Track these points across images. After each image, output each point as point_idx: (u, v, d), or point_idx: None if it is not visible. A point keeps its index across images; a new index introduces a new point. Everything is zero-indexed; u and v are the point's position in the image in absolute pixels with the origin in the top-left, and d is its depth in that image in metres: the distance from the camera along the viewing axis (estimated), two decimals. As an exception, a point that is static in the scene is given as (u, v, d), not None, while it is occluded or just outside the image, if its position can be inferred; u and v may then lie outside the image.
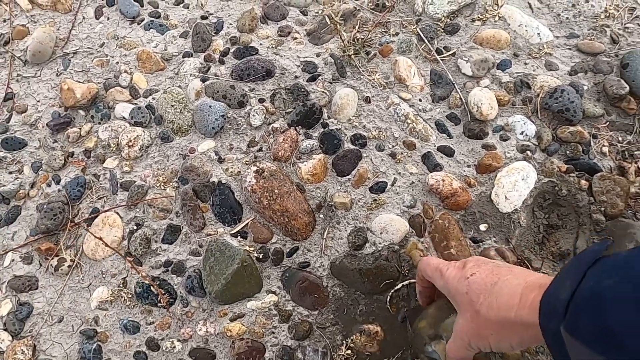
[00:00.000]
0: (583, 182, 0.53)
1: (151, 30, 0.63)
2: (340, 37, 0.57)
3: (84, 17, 0.66)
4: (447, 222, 0.52)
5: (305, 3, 0.62)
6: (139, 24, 0.64)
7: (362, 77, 0.59)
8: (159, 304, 0.54)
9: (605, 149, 0.55)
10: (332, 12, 0.54)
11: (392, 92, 0.58)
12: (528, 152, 0.54)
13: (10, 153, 0.61)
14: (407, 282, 0.51)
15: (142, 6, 0.65)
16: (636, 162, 0.54)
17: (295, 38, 0.61)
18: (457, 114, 0.57)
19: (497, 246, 0.52)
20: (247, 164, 0.56)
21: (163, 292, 0.52)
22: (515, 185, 0.53)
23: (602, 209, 0.52)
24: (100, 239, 0.53)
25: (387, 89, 0.58)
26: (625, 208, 0.52)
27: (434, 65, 0.59)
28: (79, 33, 0.65)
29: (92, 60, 0.63)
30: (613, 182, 0.52)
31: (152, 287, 0.53)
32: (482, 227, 0.53)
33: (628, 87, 0.55)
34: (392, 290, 0.51)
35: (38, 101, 0.62)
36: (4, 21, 0.66)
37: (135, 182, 0.57)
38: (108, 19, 0.65)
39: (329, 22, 0.58)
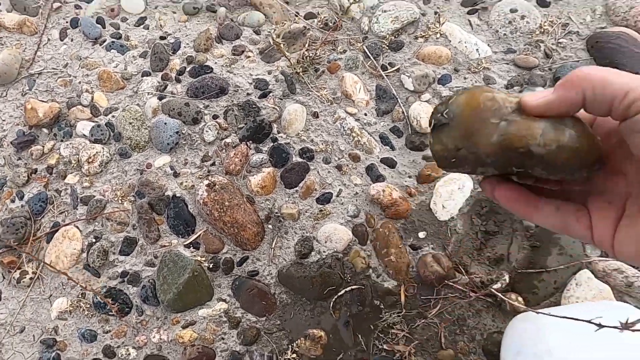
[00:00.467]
0: (516, 190, 0.56)
1: (112, 50, 0.67)
2: (286, 57, 0.60)
3: (49, 39, 0.69)
4: (388, 231, 0.56)
5: (258, 23, 0.66)
6: (101, 44, 0.68)
7: (310, 93, 0.62)
8: (111, 314, 0.57)
9: (539, 159, 0.58)
10: (275, 34, 0.58)
11: (339, 107, 0.61)
12: (465, 162, 0.58)
13: (-24, 170, 0.64)
14: (349, 288, 0.54)
15: (104, 27, 0.68)
16: (568, 171, 0.57)
17: (249, 57, 0.65)
18: (399, 127, 0.60)
19: (434, 252, 0.55)
20: (200, 178, 0.59)
21: (112, 303, 0.55)
22: (452, 194, 0.56)
23: (533, 215, 0.55)
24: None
25: (335, 104, 0.61)
26: (554, 214, 0.55)
27: (379, 80, 0.62)
28: (44, 54, 0.68)
29: (56, 80, 0.66)
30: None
31: (99, 298, 0.56)
32: (421, 234, 0.56)
33: (559, 100, 0.58)
34: (336, 296, 0.54)
35: (3, 120, 0.66)
36: (-27, 44, 0.69)
37: (94, 196, 0.61)
38: (72, 40, 0.69)
39: (272, 43, 0.62)
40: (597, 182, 0.27)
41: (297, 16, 0.66)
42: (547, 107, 0.26)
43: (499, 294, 0.50)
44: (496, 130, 0.27)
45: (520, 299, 0.52)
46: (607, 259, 0.53)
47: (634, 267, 0.52)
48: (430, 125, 0.28)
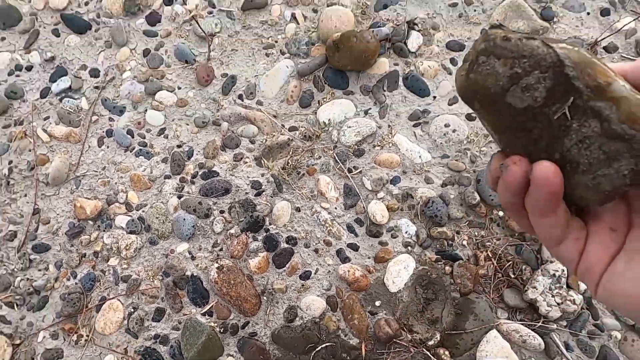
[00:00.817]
0: (447, 268, 0.76)
1: (140, 156, 0.87)
2: (268, 168, 0.80)
3: (89, 146, 0.89)
4: (352, 301, 0.76)
5: (253, 134, 0.86)
6: (131, 151, 0.87)
7: (294, 192, 0.82)
8: (150, 366, 0.76)
9: (465, 242, 0.78)
10: (266, 147, 0.78)
11: (315, 202, 0.81)
12: (409, 247, 0.78)
13: (38, 255, 0.83)
14: (324, 345, 0.74)
15: (133, 137, 0.88)
16: (486, 251, 0.77)
17: (246, 162, 0.85)
18: (361, 219, 0.80)
19: (386, 317, 0.75)
20: (211, 261, 0.79)
21: (147, 359, 0.75)
22: (399, 272, 0.76)
23: (458, 288, 0.75)
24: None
25: (312, 201, 0.81)
26: (473, 288, 0.75)
27: (346, 181, 0.82)
28: (86, 159, 0.88)
29: (97, 181, 0.86)
30: (465, 268, 0.75)
31: (138, 356, 0.75)
32: (377, 303, 0.76)
33: (479, 197, 0.78)
34: (314, 352, 0.74)
35: (58, 214, 0.85)
36: (29, 151, 0.89)
37: (131, 276, 0.80)
38: (108, 147, 0.88)
39: (264, 164, 0.82)
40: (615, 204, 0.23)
41: (283, 128, 0.86)
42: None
43: (428, 352, 0.70)
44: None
45: (447, 352, 0.72)
46: (509, 321, 0.73)
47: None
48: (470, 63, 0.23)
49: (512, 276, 0.75)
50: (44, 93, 0.92)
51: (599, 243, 0.24)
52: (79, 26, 0.95)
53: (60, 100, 0.91)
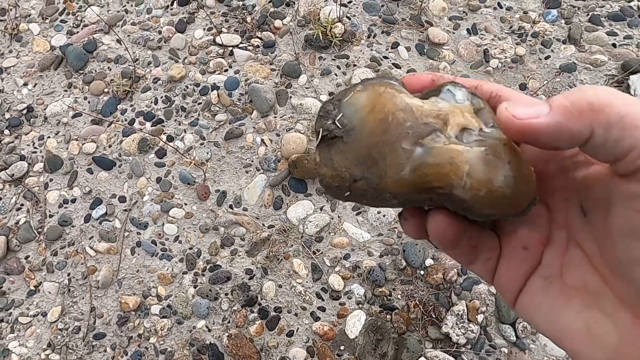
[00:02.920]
0: (388, 316, 1.13)
1: (163, 260, 1.24)
2: (253, 262, 1.19)
3: (125, 255, 1.27)
4: (324, 348, 1.12)
5: (242, 234, 1.24)
6: (156, 256, 1.25)
7: (276, 273, 1.20)
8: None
9: (399, 296, 1.15)
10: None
11: (292, 279, 1.19)
12: (360, 304, 1.15)
13: (98, 341, 1.20)
14: (308, 382, 1.10)
15: (156, 245, 1.26)
16: (415, 300, 1.14)
17: (240, 255, 1.22)
18: (325, 288, 1.17)
19: (349, 357, 1.11)
20: (223, 331, 1.16)
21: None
22: (355, 323, 1.13)
23: (396, 330, 1.12)
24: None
25: (290, 278, 1.19)
26: (407, 328, 1.12)
27: (312, 261, 1.20)
28: (124, 265, 1.26)
29: (134, 281, 1.24)
30: (400, 315, 1.12)
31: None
32: (342, 347, 1.12)
33: (405, 263, 1.16)
34: (302, 388, 1.10)
35: (108, 309, 1.22)
36: (82, 264, 1.27)
37: (167, 349, 1.17)
38: (139, 254, 1.26)
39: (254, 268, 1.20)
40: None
41: (263, 227, 1.24)
42: (536, 134, 0.19)
43: (376, 378, 1.06)
44: (409, 161, 0.20)
45: (392, 377, 1.08)
46: (433, 350, 1.09)
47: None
48: (316, 134, 0.22)
49: (434, 316, 1.12)
50: (87, 219, 1.31)
51: (510, 263, 0.24)
52: (106, 164, 1.35)
53: (100, 223, 1.30)
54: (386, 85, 0.21)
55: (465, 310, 1.09)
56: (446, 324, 1.09)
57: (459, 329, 1.08)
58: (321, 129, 0.21)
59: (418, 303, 1.13)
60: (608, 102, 0.18)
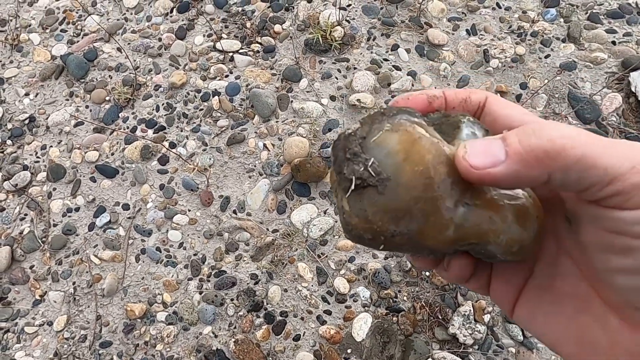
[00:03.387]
0: (394, 318, 1.14)
1: (168, 266, 1.25)
2: (258, 267, 1.19)
3: (129, 263, 1.28)
4: (331, 352, 1.13)
5: (247, 239, 1.25)
6: (160, 263, 1.26)
7: (281, 277, 1.20)
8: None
9: (405, 298, 1.16)
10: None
11: (297, 283, 1.20)
12: (366, 307, 1.16)
13: (105, 349, 1.20)
14: (315, 386, 1.10)
15: (160, 252, 1.27)
16: (421, 302, 1.15)
17: (244, 260, 1.23)
18: (331, 291, 1.18)
19: (356, 360, 1.12)
20: (229, 337, 1.17)
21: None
22: (361, 326, 1.14)
23: (403, 332, 1.12)
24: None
25: (295, 282, 1.20)
26: (414, 330, 1.12)
27: (317, 264, 1.21)
28: (129, 272, 1.27)
29: (139, 289, 1.24)
30: (406, 317, 1.13)
31: (192, 412, 1.11)
32: (349, 350, 1.13)
33: (410, 264, 1.17)
34: (309, 392, 1.10)
35: (114, 317, 1.23)
36: (87, 272, 1.28)
37: (173, 356, 1.17)
38: (143, 262, 1.27)
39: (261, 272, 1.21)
40: None
41: (268, 231, 1.25)
42: (494, 182, 0.20)
43: (384, 381, 1.06)
44: (452, 221, 0.20)
45: (399, 379, 1.08)
46: (440, 351, 1.10)
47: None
48: (340, 177, 0.20)
49: (440, 317, 1.13)
50: (91, 227, 1.32)
51: (503, 277, 0.26)
52: (109, 172, 1.36)
53: (104, 231, 1.31)
54: (416, 125, 0.20)
55: (472, 311, 1.10)
56: (453, 324, 1.09)
57: (466, 329, 1.08)
58: (354, 177, 0.19)
59: (424, 304, 1.14)
60: (563, 147, 0.19)
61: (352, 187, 0.19)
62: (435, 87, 1.33)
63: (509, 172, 0.20)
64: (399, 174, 0.19)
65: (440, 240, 0.20)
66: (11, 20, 1.55)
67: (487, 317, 1.10)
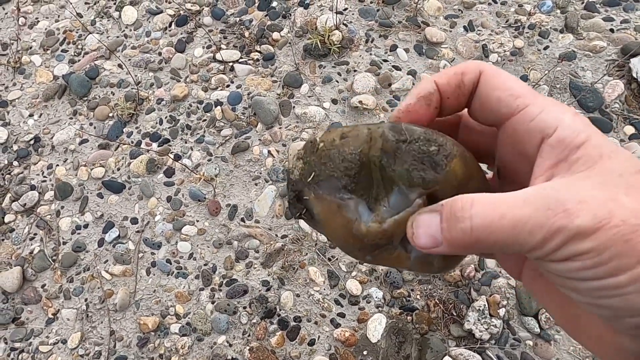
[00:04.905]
0: (409, 317, 1.16)
1: (179, 278, 1.28)
2: (269, 273, 1.22)
3: (140, 277, 1.30)
4: (347, 355, 1.14)
5: (256, 246, 1.28)
6: (171, 275, 1.29)
7: (293, 282, 1.23)
8: None
9: (418, 296, 1.18)
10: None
11: (309, 287, 1.22)
12: (380, 307, 1.18)
13: (119, 365, 1.23)
14: (333, 390, 1.12)
15: (171, 264, 1.30)
16: (434, 299, 1.17)
17: (255, 267, 1.26)
18: (344, 294, 1.20)
19: (372, 362, 1.14)
20: (244, 345, 1.19)
21: None
22: (376, 327, 1.15)
23: (418, 331, 1.14)
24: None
25: (307, 287, 1.22)
26: (429, 328, 1.14)
27: (328, 267, 1.23)
28: (140, 287, 1.29)
29: (151, 302, 1.27)
30: (421, 316, 1.15)
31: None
32: (364, 352, 1.15)
33: (421, 263, 1.19)
34: (327, 396, 1.12)
35: (128, 332, 1.25)
36: (98, 288, 1.30)
37: (189, 367, 1.19)
38: (154, 275, 1.30)
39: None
40: None
41: (277, 237, 1.28)
42: (443, 254, 0.25)
43: (402, 380, 1.08)
44: (364, 259, 0.27)
45: (417, 378, 1.10)
46: (457, 348, 1.11)
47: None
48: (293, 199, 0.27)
49: (455, 314, 1.14)
50: (100, 243, 1.35)
51: (503, 257, 0.30)
52: (116, 188, 1.40)
53: (113, 246, 1.34)
54: (337, 206, 0.26)
55: (486, 306, 1.12)
56: (468, 320, 1.11)
57: (482, 324, 1.10)
58: (297, 212, 0.28)
59: (438, 302, 1.16)
60: (477, 238, 0.21)
61: (298, 216, 0.28)
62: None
63: (449, 251, 0.23)
64: (324, 225, 0.27)
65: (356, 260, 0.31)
66: (12, 44, 1.61)
67: (502, 311, 1.12)
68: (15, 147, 1.47)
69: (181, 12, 1.54)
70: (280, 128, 1.37)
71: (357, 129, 0.26)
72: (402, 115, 0.27)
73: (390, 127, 0.26)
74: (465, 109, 0.27)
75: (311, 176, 0.26)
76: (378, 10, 1.46)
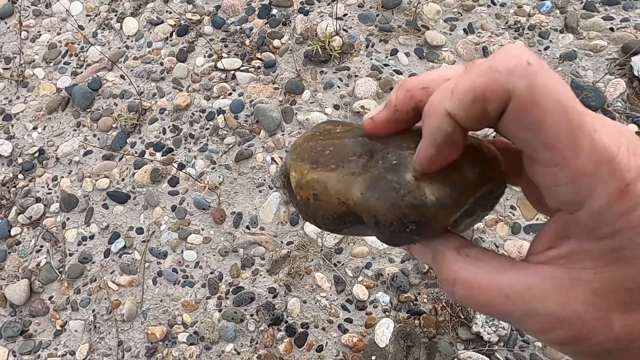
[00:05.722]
0: (416, 321, 1.17)
1: (185, 287, 1.29)
2: (276, 278, 1.23)
3: (147, 286, 1.32)
4: (355, 359, 1.15)
5: (262, 253, 1.29)
6: (178, 284, 1.30)
7: (299, 289, 1.24)
8: None
9: (425, 300, 1.19)
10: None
11: (316, 293, 1.23)
12: (387, 312, 1.19)
13: (128, 375, 1.24)
14: (342, 396, 1.13)
15: (177, 273, 1.31)
16: (441, 302, 1.18)
17: (261, 274, 1.27)
18: (350, 299, 1.21)
19: (381, 366, 1.14)
20: (252, 353, 1.20)
21: None
22: (384, 332, 1.16)
23: (426, 335, 1.15)
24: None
25: (313, 293, 1.23)
26: (437, 332, 1.15)
27: (334, 273, 1.24)
28: (147, 296, 1.31)
29: (158, 311, 1.28)
30: (428, 320, 1.16)
31: None
32: (373, 357, 1.16)
33: (427, 267, 1.20)
34: (337, 402, 1.13)
35: (136, 342, 1.27)
36: (105, 299, 1.32)
37: (198, 376, 1.20)
38: (161, 284, 1.31)
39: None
40: None
41: (282, 244, 1.29)
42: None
43: (411, 385, 1.09)
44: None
45: (427, 382, 1.10)
46: (465, 351, 1.12)
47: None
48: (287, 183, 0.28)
49: (462, 317, 1.15)
50: (107, 254, 1.36)
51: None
52: (121, 198, 1.41)
53: (120, 256, 1.35)
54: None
55: (494, 308, 1.12)
56: (476, 323, 1.12)
57: (489, 327, 1.11)
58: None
59: (445, 305, 1.17)
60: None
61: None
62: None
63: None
64: (315, 214, 0.26)
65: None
66: (15, 57, 1.63)
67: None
68: (20, 160, 1.49)
69: (182, 22, 1.57)
70: (283, 135, 1.39)
71: (324, 181, 0.25)
72: (371, 128, 0.24)
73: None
74: None
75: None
76: (378, 15, 1.48)
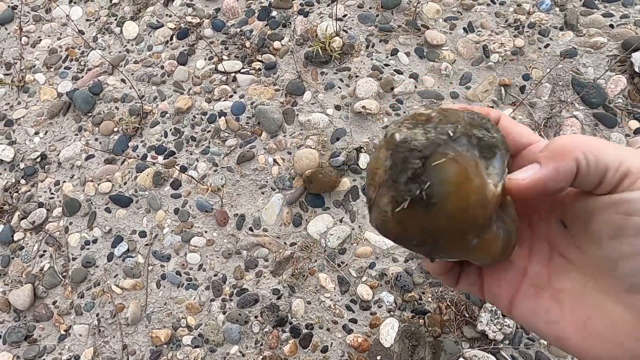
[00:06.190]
0: (421, 321, 1.17)
1: (189, 289, 1.30)
2: (280, 281, 1.24)
3: (151, 290, 1.32)
4: (360, 359, 1.16)
5: (265, 254, 1.30)
6: (182, 287, 1.31)
7: (303, 290, 1.24)
8: None
9: (430, 299, 1.19)
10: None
11: (320, 294, 1.23)
12: (392, 311, 1.19)
13: (133, 379, 1.24)
14: (348, 396, 1.13)
15: (181, 276, 1.32)
16: (446, 301, 1.18)
17: (265, 276, 1.27)
18: (355, 299, 1.22)
19: (386, 366, 1.15)
20: (257, 354, 1.20)
21: None
22: (389, 332, 1.17)
23: (431, 334, 1.15)
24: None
25: (317, 294, 1.23)
26: (442, 331, 1.15)
27: (338, 274, 1.25)
28: (151, 299, 1.31)
29: (163, 314, 1.29)
30: (433, 319, 1.16)
31: None
32: (378, 357, 1.16)
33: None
34: (343, 403, 1.13)
35: (140, 345, 1.27)
36: (109, 303, 1.32)
37: (203, 378, 1.21)
38: (164, 287, 1.32)
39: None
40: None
41: (285, 245, 1.29)
42: (539, 186, 0.24)
43: (417, 384, 1.09)
44: (463, 249, 0.24)
45: (432, 381, 1.11)
46: (471, 349, 1.12)
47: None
48: (386, 181, 0.23)
49: (467, 316, 1.15)
50: (110, 257, 1.37)
51: (495, 276, 0.29)
52: (123, 202, 1.42)
53: (123, 260, 1.36)
54: (471, 161, 0.23)
55: (498, 306, 1.13)
56: (481, 321, 1.12)
57: (495, 325, 1.11)
58: (409, 197, 0.22)
59: (449, 304, 1.17)
60: (580, 140, 0.24)
61: (405, 205, 0.23)
62: (439, 87, 1.38)
63: (549, 171, 0.25)
64: (445, 203, 0.22)
65: (453, 256, 0.27)
66: (16, 63, 1.64)
67: (514, 311, 1.13)
68: (22, 165, 1.50)
69: (182, 25, 1.58)
70: (284, 136, 1.39)
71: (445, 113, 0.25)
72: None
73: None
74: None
75: (451, 132, 0.23)
76: (377, 15, 1.49)
